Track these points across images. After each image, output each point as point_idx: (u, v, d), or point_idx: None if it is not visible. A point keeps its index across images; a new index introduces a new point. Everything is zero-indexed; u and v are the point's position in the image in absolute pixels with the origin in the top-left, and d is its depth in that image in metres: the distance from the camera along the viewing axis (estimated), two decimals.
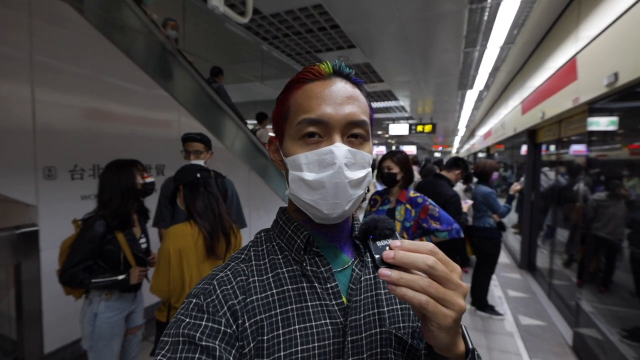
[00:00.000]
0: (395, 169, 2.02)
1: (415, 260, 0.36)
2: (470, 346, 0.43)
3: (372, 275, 0.55)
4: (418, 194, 2.05)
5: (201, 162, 1.97)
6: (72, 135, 2.39)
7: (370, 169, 0.51)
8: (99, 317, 1.58)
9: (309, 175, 0.47)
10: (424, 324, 0.40)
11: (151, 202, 2.01)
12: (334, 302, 0.49)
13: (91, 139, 2.50)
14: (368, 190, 0.54)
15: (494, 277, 4.08)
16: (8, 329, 2.33)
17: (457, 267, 0.39)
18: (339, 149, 0.46)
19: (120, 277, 1.58)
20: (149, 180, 1.73)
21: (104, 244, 1.57)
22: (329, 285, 0.50)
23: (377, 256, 0.39)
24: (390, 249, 0.38)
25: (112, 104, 2.68)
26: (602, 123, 2.61)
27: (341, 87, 0.49)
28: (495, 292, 3.94)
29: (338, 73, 0.51)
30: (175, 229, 1.51)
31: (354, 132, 0.49)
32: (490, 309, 3.40)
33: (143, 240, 1.78)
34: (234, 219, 2.07)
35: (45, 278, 2.22)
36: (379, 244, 0.41)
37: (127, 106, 2.81)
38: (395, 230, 0.43)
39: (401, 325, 0.54)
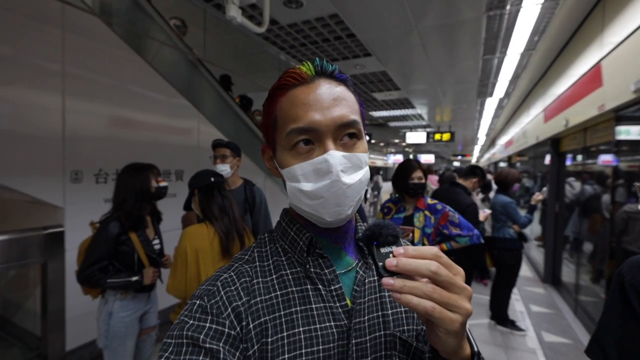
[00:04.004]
0: (423, 179, 2.01)
1: (418, 267, 0.36)
2: (475, 349, 0.43)
3: (376, 278, 0.54)
4: (436, 201, 2.02)
5: (227, 166, 2.02)
6: (98, 142, 2.51)
7: (367, 168, 0.50)
8: (114, 316, 1.63)
9: (306, 186, 0.47)
10: (430, 330, 0.39)
11: (164, 206, 2.06)
12: (338, 305, 0.49)
13: (115, 145, 2.62)
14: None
15: (515, 290, 3.92)
16: (33, 326, 2.43)
17: (461, 270, 0.39)
18: (334, 157, 0.45)
19: (134, 277, 1.63)
20: (162, 184, 1.79)
21: (119, 245, 1.63)
22: (332, 288, 0.49)
23: (380, 263, 0.39)
24: (394, 256, 0.38)
25: (136, 112, 2.80)
26: (632, 131, 2.49)
27: (326, 89, 0.48)
28: (517, 307, 3.77)
29: (321, 73, 0.49)
30: (192, 229, 1.55)
31: (347, 133, 0.48)
32: (511, 324, 3.25)
33: (156, 241, 1.83)
34: (262, 225, 2.10)
35: (69, 278, 2.32)
36: (383, 250, 0.41)
37: (150, 114, 2.93)
38: (400, 237, 0.42)
39: (405, 328, 0.53)
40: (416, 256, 0.37)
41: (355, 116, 0.49)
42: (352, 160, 0.47)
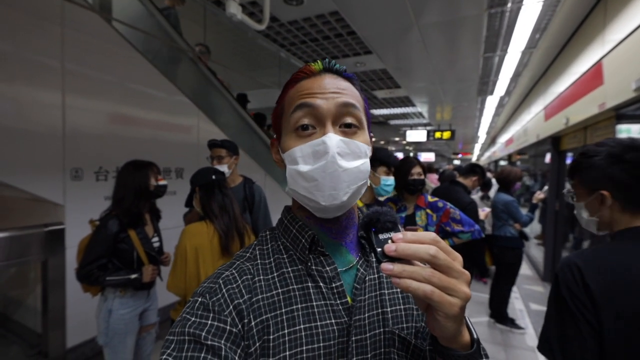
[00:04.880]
0: (423, 175, 2.00)
1: (417, 251, 0.36)
2: (475, 336, 0.43)
3: (376, 275, 0.55)
4: (437, 199, 2.01)
5: (224, 167, 2.01)
6: (98, 139, 2.50)
7: (367, 159, 0.51)
8: (114, 313, 1.63)
9: (304, 167, 0.48)
10: (430, 315, 0.39)
11: (164, 203, 2.06)
12: (338, 302, 0.49)
13: (116, 143, 2.62)
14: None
15: (514, 289, 3.92)
16: (33, 323, 2.44)
17: (459, 256, 0.39)
18: (331, 139, 0.46)
19: (133, 275, 1.63)
20: (162, 183, 1.78)
21: (118, 242, 1.63)
22: (333, 285, 0.50)
23: (379, 249, 0.39)
24: (393, 242, 0.38)
25: (136, 109, 2.80)
26: (632, 130, 2.49)
27: (331, 81, 0.50)
28: (516, 305, 3.78)
29: (328, 69, 0.52)
30: (192, 227, 1.55)
31: (347, 122, 0.49)
32: (511, 322, 3.26)
33: (156, 239, 1.83)
34: (261, 223, 2.10)
35: (69, 275, 2.32)
36: (381, 237, 0.41)
37: (150, 112, 2.92)
38: (398, 223, 0.43)
39: (404, 325, 0.53)
40: (414, 241, 0.37)
41: (357, 103, 0.50)
42: (351, 147, 0.48)
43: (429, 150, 20.22)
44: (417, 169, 1.98)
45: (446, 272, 0.36)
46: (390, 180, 1.74)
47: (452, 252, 0.38)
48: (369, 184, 1.55)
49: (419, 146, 19.58)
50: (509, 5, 3.15)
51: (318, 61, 0.52)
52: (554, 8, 3.15)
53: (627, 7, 2.34)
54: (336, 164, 0.46)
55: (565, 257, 0.85)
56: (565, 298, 0.80)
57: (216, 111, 3.85)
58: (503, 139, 10.00)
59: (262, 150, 4.24)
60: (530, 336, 3.12)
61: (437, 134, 9.57)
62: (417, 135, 10.24)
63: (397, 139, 15.97)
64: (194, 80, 3.64)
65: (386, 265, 0.37)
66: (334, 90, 0.49)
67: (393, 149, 20.45)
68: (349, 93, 0.50)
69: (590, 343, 0.75)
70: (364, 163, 0.49)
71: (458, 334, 0.39)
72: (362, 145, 0.50)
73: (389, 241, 0.39)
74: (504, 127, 10.07)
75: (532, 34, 3.72)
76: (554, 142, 4.51)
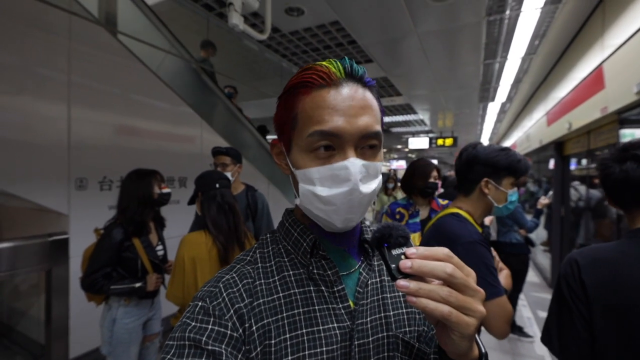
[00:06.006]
0: (438, 178, 1.97)
1: (433, 269, 0.35)
2: (483, 350, 0.43)
3: (378, 279, 0.54)
4: (447, 201, 2.00)
5: (228, 175, 2.00)
6: (103, 149, 2.53)
7: (380, 176, 0.50)
8: (118, 322, 1.63)
9: (322, 191, 0.46)
10: (442, 332, 0.39)
11: (168, 212, 2.07)
12: (340, 306, 0.48)
13: (120, 153, 2.64)
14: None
15: (522, 296, 3.86)
16: (37, 334, 2.43)
17: (472, 272, 0.38)
18: (354, 165, 0.44)
19: (137, 284, 1.63)
20: (165, 191, 1.79)
21: (122, 251, 1.63)
22: (335, 289, 0.49)
23: (393, 266, 0.38)
24: (406, 257, 0.38)
25: (140, 120, 2.83)
26: (636, 133, 2.48)
27: (354, 95, 0.46)
28: (524, 313, 3.72)
29: (350, 76, 0.47)
30: (190, 237, 1.54)
31: (368, 144, 0.47)
32: (519, 330, 3.20)
33: (160, 247, 1.83)
34: (264, 231, 2.08)
35: (73, 285, 2.32)
36: (394, 252, 0.40)
37: (154, 122, 2.96)
38: (410, 237, 0.42)
39: (407, 329, 0.52)
40: (428, 256, 0.37)
41: (379, 127, 0.48)
42: (370, 170, 0.47)
43: (432, 157, 20.21)
44: (434, 173, 1.96)
45: (462, 290, 0.36)
46: (516, 194, 1.23)
47: (465, 267, 0.38)
48: (490, 202, 1.19)
49: (421, 153, 19.58)
50: (508, 12, 3.18)
51: (337, 63, 0.46)
52: (552, 14, 3.17)
53: (625, 12, 2.36)
54: (358, 190, 0.45)
55: (570, 253, 0.89)
56: (564, 292, 0.84)
57: (244, 145, 4.13)
58: (506, 145, 9.96)
59: (282, 178, 4.35)
60: (539, 344, 3.05)
61: (440, 141, 9.55)
62: (419, 142, 10.23)
63: (399, 146, 15.99)
64: (227, 120, 3.99)
65: (401, 282, 0.36)
66: (357, 109, 0.45)
67: (396, 156, 20.45)
68: (372, 111, 0.47)
69: (583, 335, 0.79)
70: (379, 182, 0.49)
71: (469, 350, 0.39)
72: (379, 164, 0.49)
73: (402, 257, 0.38)
74: (506, 134, 10.06)
75: (532, 40, 3.75)
76: (557, 147, 4.49)
